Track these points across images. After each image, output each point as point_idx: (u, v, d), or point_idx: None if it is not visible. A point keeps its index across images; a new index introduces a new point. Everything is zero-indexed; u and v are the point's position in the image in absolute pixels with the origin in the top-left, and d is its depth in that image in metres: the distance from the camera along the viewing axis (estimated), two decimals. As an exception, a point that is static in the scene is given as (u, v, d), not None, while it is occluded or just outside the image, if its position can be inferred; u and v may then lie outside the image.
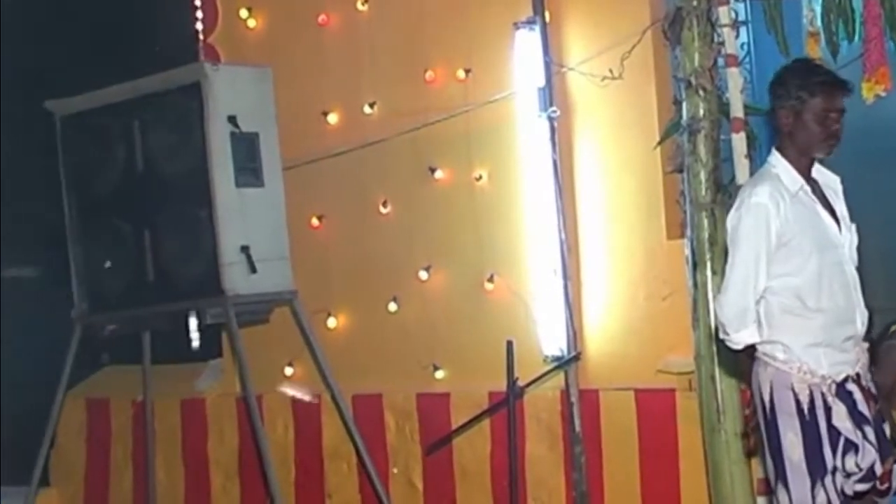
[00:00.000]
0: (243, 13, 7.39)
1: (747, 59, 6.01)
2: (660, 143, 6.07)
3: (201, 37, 7.45)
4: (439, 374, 6.74)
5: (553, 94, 6.26)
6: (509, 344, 5.60)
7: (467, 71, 6.59)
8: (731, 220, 4.50)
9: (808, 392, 4.40)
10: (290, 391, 7.16)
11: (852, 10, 5.61)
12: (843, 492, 4.41)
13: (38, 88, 7.10)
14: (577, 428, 6.22)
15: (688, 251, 5.70)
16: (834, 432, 4.38)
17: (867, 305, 4.59)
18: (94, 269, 6.60)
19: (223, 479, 7.50)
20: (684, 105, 5.67)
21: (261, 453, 6.38)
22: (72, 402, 7.77)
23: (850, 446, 4.38)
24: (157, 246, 6.36)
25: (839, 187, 4.64)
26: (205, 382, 7.76)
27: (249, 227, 6.22)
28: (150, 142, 6.35)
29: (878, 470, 4.43)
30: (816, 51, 5.67)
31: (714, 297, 5.45)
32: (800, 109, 4.46)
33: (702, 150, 5.63)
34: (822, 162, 4.59)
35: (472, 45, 6.58)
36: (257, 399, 6.36)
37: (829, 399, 4.40)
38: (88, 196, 6.61)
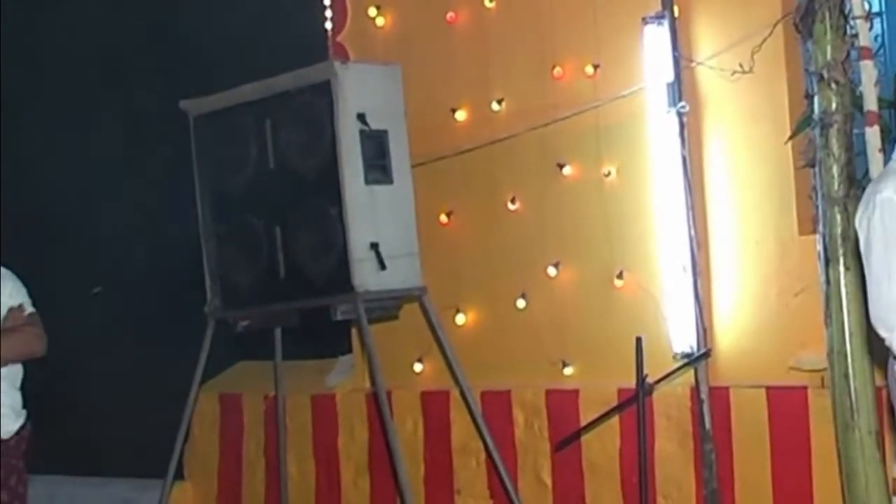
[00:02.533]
0: (372, 11, 7.45)
1: (881, 52, 5.90)
2: (791, 137, 5.98)
3: (331, 35, 7.55)
4: (568, 371, 6.73)
5: (682, 89, 6.21)
6: (638, 340, 5.58)
7: (596, 66, 6.57)
8: (858, 220, 4.40)
9: None
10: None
11: None
12: None
13: (171, 88, 7.22)
14: (707, 425, 6.16)
15: (820, 247, 5.61)
16: None
17: None
18: (226, 266, 6.69)
19: (353, 474, 7.57)
20: (816, 99, 5.59)
21: (391, 449, 6.41)
22: (206, 397, 7.91)
23: None
24: (289, 243, 6.42)
25: None
26: (335, 378, 7.84)
27: (379, 224, 6.26)
28: (282, 140, 6.41)
29: None
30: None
31: (847, 293, 5.39)
32: None
33: (834, 144, 5.54)
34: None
35: (600, 41, 6.56)
36: (387, 395, 6.40)
37: None
38: (221, 194, 6.71)
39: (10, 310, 6.15)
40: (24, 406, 6.22)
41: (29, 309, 6.18)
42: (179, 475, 7.82)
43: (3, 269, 6.29)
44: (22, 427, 6.17)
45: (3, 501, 6.06)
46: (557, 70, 6.71)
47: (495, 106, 6.95)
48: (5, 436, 6.06)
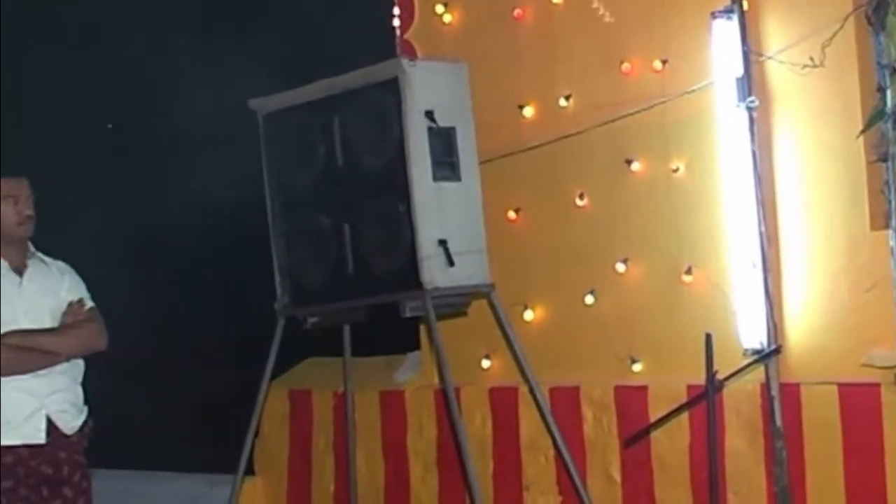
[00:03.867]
0: (439, 8, 7.46)
1: (955, 44, 5.84)
2: (863, 131, 5.92)
3: (398, 33, 7.57)
4: (637, 367, 6.71)
5: (752, 83, 6.17)
6: (708, 337, 5.55)
7: (664, 61, 6.54)
8: None
9: None
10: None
11: None
12: None
13: (240, 87, 7.27)
14: (778, 422, 6.12)
15: (892, 242, 5.57)
16: None
17: None
18: (295, 263, 6.73)
19: (422, 471, 7.59)
20: (888, 92, 5.54)
21: (459, 445, 6.42)
22: (275, 393, 7.96)
23: None
24: (357, 240, 6.44)
25: None
26: (404, 375, 7.86)
27: (447, 221, 6.26)
28: (350, 137, 6.43)
29: None
30: None
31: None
32: None
33: (906, 138, 5.50)
34: None
35: (668, 36, 6.53)
36: (455, 391, 6.41)
37: None
38: (289, 191, 6.74)
39: (70, 305, 6.21)
40: (87, 402, 6.28)
41: (89, 303, 6.25)
42: (250, 471, 7.87)
43: (61, 264, 6.35)
44: (84, 423, 6.23)
45: (67, 498, 6.13)
46: (625, 65, 6.69)
47: (563, 102, 6.94)
48: (69, 432, 6.13)
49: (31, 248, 6.28)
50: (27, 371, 6.04)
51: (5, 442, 6.04)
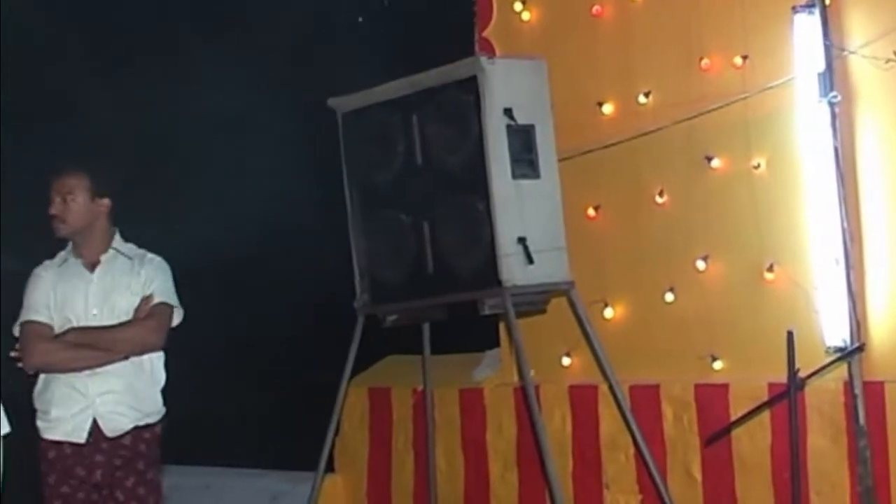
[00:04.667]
0: (517, 6, 7.46)
1: None
2: (948, 126, 5.86)
3: (477, 31, 7.58)
4: (717, 365, 6.67)
5: (834, 78, 6.12)
6: (790, 334, 5.51)
7: (744, 57, 6.49)
8: None
9: None
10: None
11: None
12: None
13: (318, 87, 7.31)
14: (862, 421, 6.06)
15: (978, 238, 5.50)
16: None
17: None
18: (375, 262, 6.75)
19: (501, 469, 7.59)
20: (973, 86, 5.48)
21: (539, 443, 6.42)
22: (355, 391, 8.00)
23: None
24: (436, 238, 6.46)
25: None
26: (483, 372, 7.86)
27: (526, 219, 6.26)
28: (429, 136, 6.45)
29: None
30: None
31: None
32: None
33: None
34: None
35: (748, 31, 6.48)
36: (535, 389, 6.40)
37: None
38: (369, 189, 6.77)
39: (143, 299, 6.20)
40: (164, 400, 6.27)
41: (158, 299, 6.15)
42: (330, 468, 7.91)
43: (150, 258, 6.31)
44: (159, 420, 6.23)
45: (139, 495, 6.12)
46: (705, 62, 6.65)
47: (642, 99, 6.92)
48: (110, 434, 6.04)
49: (117, 243, 6.25)
50: (81, 368, 6.03)
51: (51, 437, 6.09)
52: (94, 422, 6.04)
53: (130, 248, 6.29)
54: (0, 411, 4.95)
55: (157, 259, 6.29)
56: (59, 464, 6.06)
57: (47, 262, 6.28)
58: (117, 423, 6.07)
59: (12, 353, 6.08)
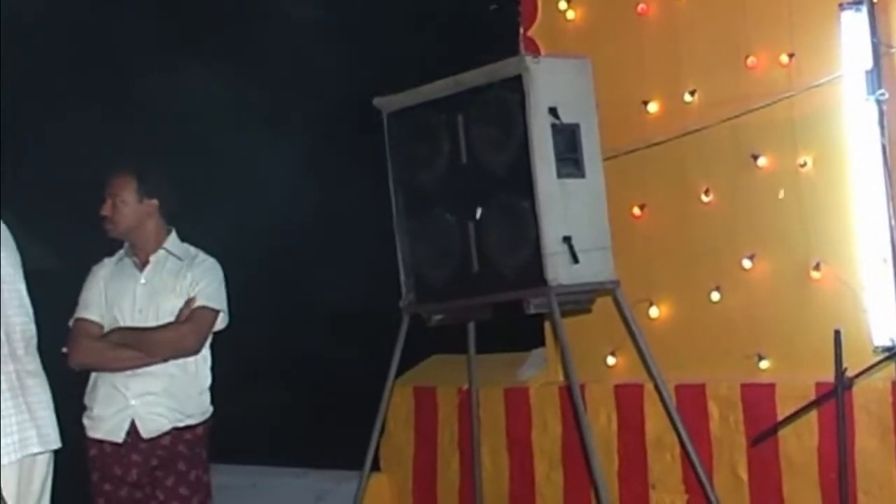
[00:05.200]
0: (562, 5, 7.45)
1: None
2: None
3: (522, 30, 7.58)
4: (764, 364, 6.64)
5: (881, 76, 6.08)
6: (837, 333, 5.48)
7: (791, 55, 6.46)
8: None
9: None
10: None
11: None
12: None
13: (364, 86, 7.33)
14: (910, 420, 6.03)
15: None
16: None
17: None
18: (420, 261, 6.76)
19: (547, 468, 7.58)
20: None
21: (584, 442, 6.41)
22: (400, 390, 8.01)
23: None
24: (481, 237, 6.46)
25: None
26: (528, 371, 7.86)
27: (571, 218, 6.26)
28: (474, 135, 6.45)
29: None
30: None
31: None
32: None
33: None
34: None
35: (795, 29, 6.45)
36: (580, 388, 6.40)
37: None
38: (414, 189, 6.78)
39: (186, 301, 6.21)
40: (212, 399, 6.29)
41: (199, 303, 6.17)
42: (375, 467, 7.92)
43: (201, 258, 6.33)
44: (203, 421, 6.25)
45: (181, 495, 6.14)
46: (751, 60, 6.62)
47: (687, 97, 6.89)
48: (146, 435, 6.08)
49: (169, 244, 6.27)
50: (121, 368, 6.08)
51: (93, 435, 6.13)
52: (132, 422, 6.08)
53: (184, 248, 6.30)
54: (53, 425, 4.98)
55: (209, 261, 6.30)
56: (100, 461, 6.12)
57: (106, 260, 6.34)
58: (155, 423, 6.10)
59: (63, 350, 6.14)
